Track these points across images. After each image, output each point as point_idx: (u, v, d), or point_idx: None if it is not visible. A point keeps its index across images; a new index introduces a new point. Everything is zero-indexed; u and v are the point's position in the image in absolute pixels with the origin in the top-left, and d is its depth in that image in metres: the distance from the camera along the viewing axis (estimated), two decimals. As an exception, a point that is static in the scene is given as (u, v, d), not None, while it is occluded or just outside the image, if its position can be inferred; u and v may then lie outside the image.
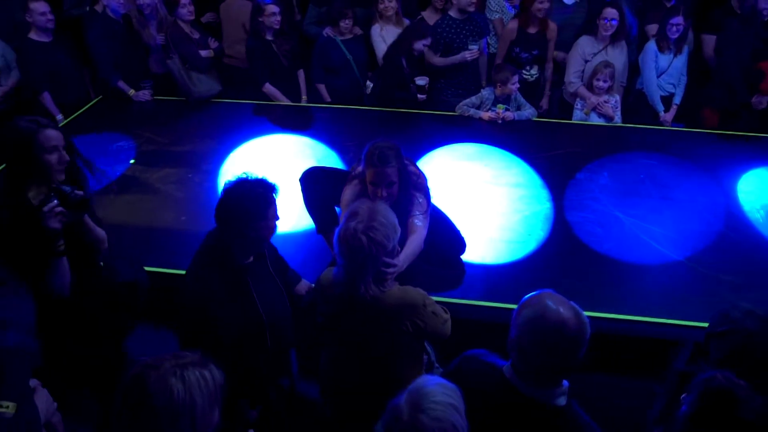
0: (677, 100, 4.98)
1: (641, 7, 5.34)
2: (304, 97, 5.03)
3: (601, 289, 3.06)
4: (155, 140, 4.31)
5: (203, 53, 4.80)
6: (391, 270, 2.26)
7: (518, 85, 4.54)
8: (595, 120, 4.69)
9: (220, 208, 2.29)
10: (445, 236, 3.17)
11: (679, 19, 4.66)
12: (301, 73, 5.02)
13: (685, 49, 4.88)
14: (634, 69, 5.09)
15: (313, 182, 3.17)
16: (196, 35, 4.83)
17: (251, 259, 2.42)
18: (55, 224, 2.22)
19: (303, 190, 3.17)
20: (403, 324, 2.20)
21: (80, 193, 2.27)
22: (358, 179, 2.86)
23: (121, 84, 4.76)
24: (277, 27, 4.62)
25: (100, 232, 2.53)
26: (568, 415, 1.75)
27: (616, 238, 3.41)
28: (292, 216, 3.41)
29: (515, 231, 3.47)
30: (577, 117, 4.77)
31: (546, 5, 4.60)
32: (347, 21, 4.81)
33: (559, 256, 3.28)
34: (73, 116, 4.61)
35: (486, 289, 3.09)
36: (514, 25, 4.78)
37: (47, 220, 2.20)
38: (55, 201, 2.20)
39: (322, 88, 5.00)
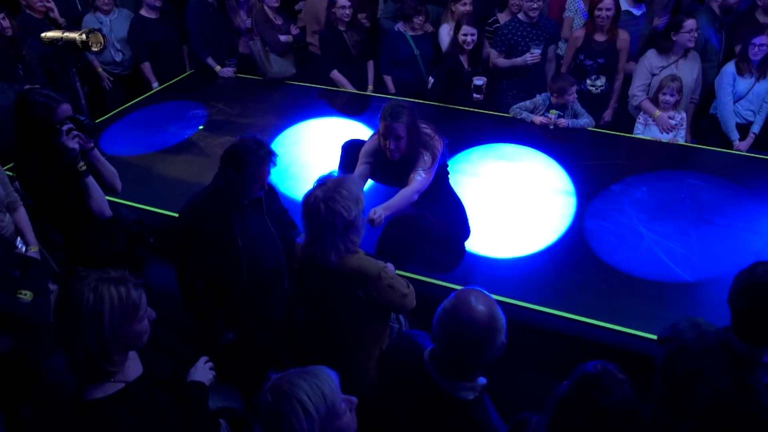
0: (756, 128, 4.64)
1: (733, 23, 5.02)
2: (370, 87, 5.31)
3: (593, 295, 3.04)
4: (225, 111, 4.80)
5: (282, 38, 5.23)
6: (374, 216, 2.54)
7: (575, 97, 4.48)
8: (656, 135, 4.52)
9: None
10: (453, 219, 3.31)
11: (762, 39, 4.36)
12: (370, 64, 5.31)
13: (773, 73, 4.55)
14: (712, 89, 4.82)
15: (350, 152, 3.39)
16: (279, 21, 5.27)
17: (245, 202, 2.73)
18: (74, 144, 2.66)
19: (341, 158, 3.42)
20: (356, 292, 2.32)
21: (91, 121, 2.73)
22: (378, 133, 3.09)
23: (210, 60, 5.32)
24: (347, 19, 4.93)
25: (112, 168, 2.96)
26: (470, 410, 1.80)
27: (629, 250, 3.33)
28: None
29: (526, 230, 3.50)
30: (639, 131, 4.62)
31: (608, 13, 4.48)
32: (420, 17, 5.01)
33: (562, 259, 3.28)
34: (165, 84, 5.24)
35: (481, 279, 3.17)
36: (581, 32, 4.71)
37: (65, 140, 2.63)
38: (71, 124, 2.65)
39: (388, 79, 5.24)
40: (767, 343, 1.84)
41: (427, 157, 3.04)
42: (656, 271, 3.19)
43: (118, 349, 1.78)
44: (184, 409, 2.00)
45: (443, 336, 1.77)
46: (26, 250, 3.09)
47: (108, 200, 3.13)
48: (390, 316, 2.67)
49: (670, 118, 4.43)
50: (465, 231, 3.33)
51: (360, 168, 3.12)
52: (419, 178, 3.00)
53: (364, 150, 3.15)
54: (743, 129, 4.67)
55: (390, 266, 2.62)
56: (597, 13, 4.50)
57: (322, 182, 2.31)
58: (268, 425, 1.49)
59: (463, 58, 4.69)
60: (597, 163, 4.14)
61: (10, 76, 4.37)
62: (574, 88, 4.45)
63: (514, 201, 3.77)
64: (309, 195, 2.28)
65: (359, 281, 2.31)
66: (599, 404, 1.58)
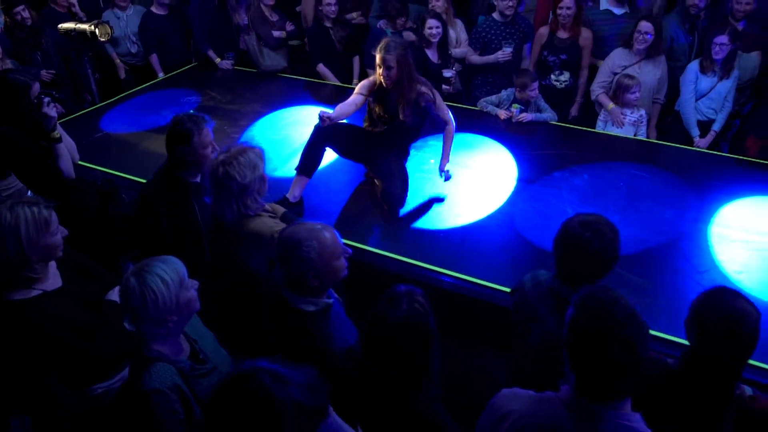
0: (716, 126, 4.76)
1: (707, 24, 5.12)
2: (354, 81, 5.66)
3: (503, 263, 3.32)
4: (216, 98, 5.26)
5: (276, 33, 5.66)
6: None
7: (536, 92, 4.70)
8: (614, 130, 4.69)
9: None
10: (396, 186, 3.65)
11: (723, 39, 4.47)
12: (356, 59, 5.67)
13: (734, 74, 4.65)
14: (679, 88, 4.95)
15: (324, 129, 3.61)
16: (275, 17, 5.71)
17: (198, 179, 3.07)
18: (52, 112, 3.12)
19: (312, 133, 3.65)
20: (252, 251, 2.55)
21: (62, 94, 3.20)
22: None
23: (211, 53, 5.81)
24: (333, 16, 5.32)
25: (71, 141, 3.41)
26: (308, 320, 2.12)
27: (551, 228, 3.51)
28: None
29: (461, 208, 3.79)
30: (600, 127, 4.81)
31: (568, 11, 4.71)
32: (402, 19, 5.33)
33: (483, 234, 3.55)
34: (169, 75, 5.76)
35: (406, 245, 3.47)
36: (545, 30, 4.95)
37: (47, 110, 3.09)
38: (49, 98, 3.13)
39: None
40: (581, 284, 2.07)
41: (439, 101, 3.69)
42: (570, 247, 3.41)
43: (37, 258, 2.20)
44: (98, 323, 2.39)
45: (278, 254, 2.11)
46: None
47: (88, 166, 3.60)
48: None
49: (622, 114, 4.60)
50: (402, 201, 3.67)
51: (353, 97, 3.66)
52: (449, 120, 3.84)
53: (360, 84, 3.70)
54: (705, 126, 4.79)
55: None
56: (559, 11, 4.75)
57: (229, 148, 2.57)
58: (134, 302, 1.86)
59: (431, 52, 4.98)
60: (548, 152, 4.37)
61: (28, 62, 4.96)
62: (536, 84, 4.68)
63: (458, 183, 4.04)
64: (213, 159, 2.56)
65: (255, 242, 2.53)
66: (384, 314, 1.83)
